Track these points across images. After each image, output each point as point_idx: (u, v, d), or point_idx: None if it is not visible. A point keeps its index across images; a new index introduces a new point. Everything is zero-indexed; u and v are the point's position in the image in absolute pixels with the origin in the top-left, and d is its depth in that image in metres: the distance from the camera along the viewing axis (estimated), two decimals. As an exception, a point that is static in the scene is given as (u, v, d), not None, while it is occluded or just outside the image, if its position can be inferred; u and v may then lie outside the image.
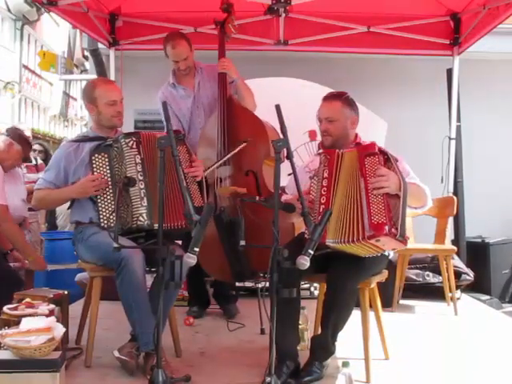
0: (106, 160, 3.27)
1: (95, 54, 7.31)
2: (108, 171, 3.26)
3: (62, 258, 5.54)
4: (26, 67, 22.50)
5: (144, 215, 3.12)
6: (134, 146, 3.20)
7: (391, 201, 2.86)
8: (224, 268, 4.00)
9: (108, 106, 3.41)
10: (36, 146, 6.89)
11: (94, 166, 3.27)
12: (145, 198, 3.13)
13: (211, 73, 4.35)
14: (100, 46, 6.75)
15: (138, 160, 3.17)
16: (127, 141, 3.21)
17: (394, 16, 5.61)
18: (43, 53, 14.65)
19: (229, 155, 3.98)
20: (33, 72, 23.16)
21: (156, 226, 2.90)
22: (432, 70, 6.44)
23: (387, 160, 2.92)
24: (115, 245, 2.68)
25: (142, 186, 3.15)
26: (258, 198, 3.05)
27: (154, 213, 3.07)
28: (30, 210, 4.92)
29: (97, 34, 5.67)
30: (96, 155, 3.29)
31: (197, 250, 2.50)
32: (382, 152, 2.93)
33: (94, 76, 7.74)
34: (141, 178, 3.16)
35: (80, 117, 26.81)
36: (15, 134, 4.47)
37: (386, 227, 2.75)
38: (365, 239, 2.78)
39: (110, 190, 3.24)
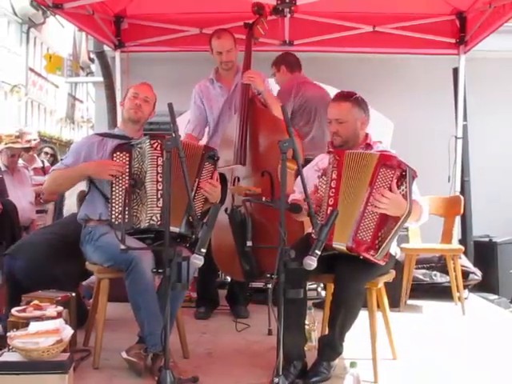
0: (127, 159, 3.30)
1: (101, 56, 7.35)
2: (127, 170, 3.28)
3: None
4: (32, 70, 22.60)
5: (157, 215, 3.13)
6: (158, 148, 3.21)
7: (387, 220, 2.88)
8: (235, 266, 4.02)
9: (130, 98, 3.49)
10: (47, 149, 6.93)
11: None
12: (161, 200, 3.14)
13: None
14: (106, 48, 6.79)
15: (160, 162, 3.18)
16: (152, 142, 3.22)
17: (400, 15, 5.60)
18: (49, 56, 14.74)
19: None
20: (39, 75, 23.24)
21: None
22: (438, 69, 6.44)
23: (403, 177, 2.88)
24: (122, 246, 2.68)
25: (160, 188, 3.16)
26: (264, 198, 3.04)
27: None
28: (37, 212, 4.95)
29: (102, 36, 5.69)
30: (118, 153, 3.31)
31: (204, 251, 2.51)
32: (401, 167, 2.88)
33: (100, 78, 7.77)
34: (160, 179, 3.17)
35: (86, 119, 26.88)
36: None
37: (365, 246, 2.84)
38: (346, 247, 2.86)
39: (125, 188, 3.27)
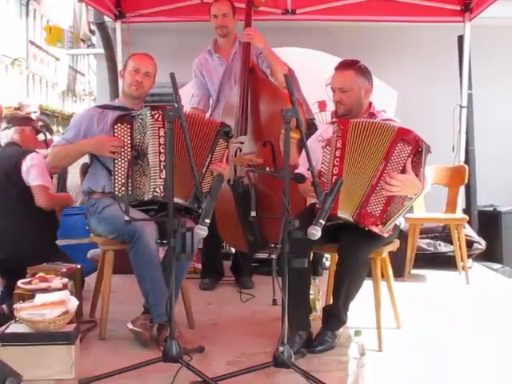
0: (128, 130, 3.27)
1: (101, 27, 7.27)
2: (129, 142, 3.26)
3: (75, 233, 5.57)
4: (32, 43, 22.45)
5: (161, 187, 3.12)
6: (160, 119, 3.18)
7: (399, 196, 2.88)
8: (239, 237, 4.05)
9: (131, 73, 3.45)
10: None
11: (116, 134, 3.27)
12: (164, 171, 3.12)
13: None
14: (106, 19, 6.71)
15: (162, 133, 3.15)
16: (153, 113, 3.19)
17: (403, -18, 5.53)
18: (49, 28, 14.63)
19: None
20: (39, 48, 23.09)
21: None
22: (443, 37, 6.35)
23: (419, 153, 2.86)
24: (126, 218, 2.68)
25: (163, 159, 3.14)
26: (267, 168, 3.03)
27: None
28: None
29: (102, 7, 5.62)
30: (119, 124, 3.29)
31: (207, 221, 2.51)
32: (418, 143, 2.85)
33: (101, 50, 7.70)
34: (162, 150, 3.15)
35: (88, 92, 26.76)
36: (15, 119, 4.48)
37: (372, 220, 2.84)
38: (353, 217, 2.86)
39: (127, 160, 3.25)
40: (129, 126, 3.28)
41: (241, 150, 4.07)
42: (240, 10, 4.41)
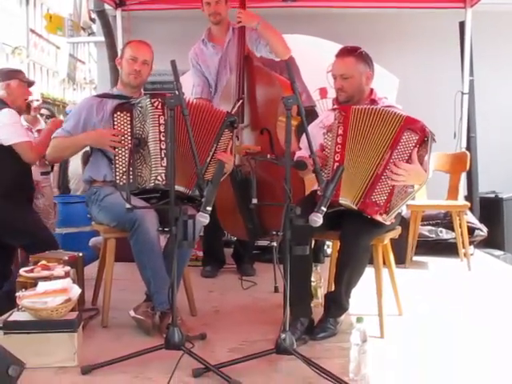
0: (128, 119, 3.25)
1: (102, 15, 7.23)
2: (129, 130, 3.24)
3: (76, 221, 5.59)
4: (32, 31, 22.38)
5: (163, 175, 3.11)
6: (160, 107, 3.17)
7: (404, 186, 2.88)
8: (239, 225, 4.06)
9: (129, 61, 3.42)
10: (44, 111, 6.85)
11: (116, 123, 3.26)
12: (165, 159, 3.11)
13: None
14: (106, 7, 6.68)
15: (162, 121, 3.15)
16: (153, 101, 3.18)
17: (405, -32, 5.50)
18: (50, 16, 14.54)
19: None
20: (40, 36, 23.01)
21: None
22: (444, 23, 6.30)
23: (424, 142, 2.85)
24: (128, 206, 2.68)
25: (164, 147, 3.13)
26: (269, 155, 3.02)
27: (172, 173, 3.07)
28: (42, 174, 4.94)
29: (103, -6, 5.60)
30: (118, 113, 3.27)
31: (209, 209, 2.51)
32: (424, 133, 2.84)
33: (101, 38, 7.67)
34: (163, 138, 3.14)
35: (89, 80, 26.69)
36: (3, 74, 4.34)
37: (377, 209, 2.84)
38: (357, 206, 2.86)
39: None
40: (128, 115, 3.26)
41: (238, 139, 4.06)
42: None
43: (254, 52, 4.23)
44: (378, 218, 2.86)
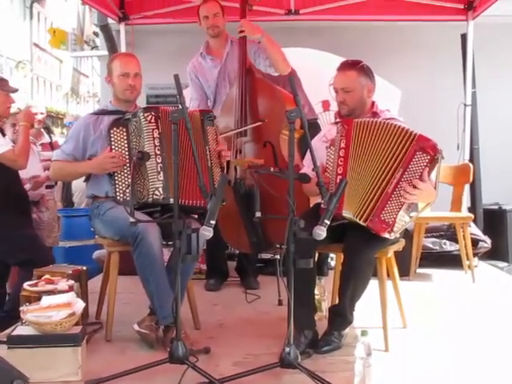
0: (125, 134, 3.26)
1: (105, 29, 7.28)
2: (126, 145, 3.25)
3: (79, 234, 5.60)
4: (36, 45, 22.50)
5: (160, 189, 3.11)
6: (153, 121, 3.17)
7: (413, 204, 2.91)
8: (242, 239, 4.03)
9: (120, 78, 3.40)
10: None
11: (112, 139, 3.26)
12: (161, 173, 3.11)
13: None
14: (110, 21, 6.72)
15: (156, 134, 3.15)
16: (146, 115, 3.18)
17: (407, -19, 5.52)
18: (53, 30, 14.64)
19: (241, 129, 3.98)
20: (43, 50, 23.14)
21: (172, 200, 2.89)
22: (446, 35, 6.34)
23: (434, 161, 2.85)
24: (131, 219, 2.68)
25: (160, 161, 3.13)
26: (272, 168, 3.03)
27: (170, 187, 3.06)
28: (47, 187, 4.95)
29: (106, 9, 5.64)
30: (114, 129, 3.27)
31: (213, 222, 2.51)
32: (435, 151, 2.84)
33: (104, 52, 7.72)
34: (158, 152, 3.14)
35: (92, 94, 26.81)
36: None
37: (384, 226, 2.85)
38: (366, 222, 2.86)
39: (127, 165, 3.23)
40: (125, 130, 3.26)
41: (241, 152, 4.06)
42: (234, 9, 4.41)
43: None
44: (386, 235, 2.87)
